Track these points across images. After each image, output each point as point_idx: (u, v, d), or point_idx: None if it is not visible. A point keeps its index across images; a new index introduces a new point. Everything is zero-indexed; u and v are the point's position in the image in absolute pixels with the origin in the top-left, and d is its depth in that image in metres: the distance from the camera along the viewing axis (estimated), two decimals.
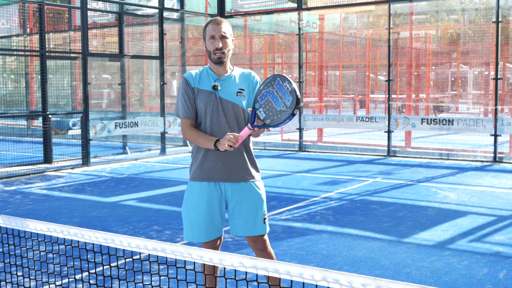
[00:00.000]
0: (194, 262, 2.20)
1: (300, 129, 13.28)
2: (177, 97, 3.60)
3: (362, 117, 12.55)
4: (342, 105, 20.84)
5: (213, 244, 3.55)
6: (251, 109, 3.28)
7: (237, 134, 3.25)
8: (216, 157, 3.46)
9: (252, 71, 3.66)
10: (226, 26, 3.50)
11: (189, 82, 3.52)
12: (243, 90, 3.53)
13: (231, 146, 3.22)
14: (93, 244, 2.47)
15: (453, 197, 7.82)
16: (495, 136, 10.97)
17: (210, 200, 3.48)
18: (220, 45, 3.45)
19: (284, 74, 3.16)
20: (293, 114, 3.07)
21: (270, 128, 3.24)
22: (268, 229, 3.62)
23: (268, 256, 3.63)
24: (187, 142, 14.22)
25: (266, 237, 3.62)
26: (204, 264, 2.97)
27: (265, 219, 3.57)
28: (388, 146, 12.08)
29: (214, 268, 3.45)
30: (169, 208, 7.32)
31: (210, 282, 3.55)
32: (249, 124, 3.24)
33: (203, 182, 3.49)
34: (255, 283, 4.42)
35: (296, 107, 3.05)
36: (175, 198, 7.98)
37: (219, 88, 3.49)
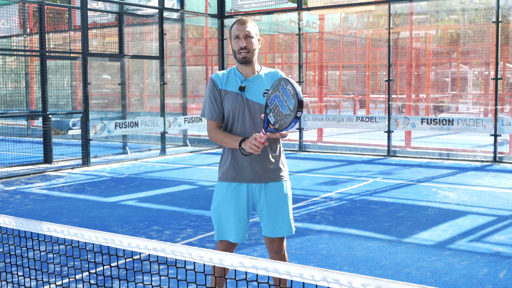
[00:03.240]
0: (194, 262, 2.20)
1: (300, 129, 13.28)
2: (204, 98, 3.59)
3: (362, 117, 12.55)
4: (342, 105, 20.85)
5: (228, 246, 3.53)
6: (263, 114, 3.26)
7: (260, 137, 3.23)
8: (243, 158, 3.44)
9: (279, 70, 3.63)
10: (251, 26, 3.48)
11: (216, 84, 3.49)
12: (269, 90, 3.53)
13: (255, 149, 3.23)
14: (93, 244, 2.47)
15: (453, 197, 7.83)
16: (495, 136, 10.97)
17: (238, 201, 3.47)
18: (244, 44, 3.43)
19: (288, 77, 3.15)
20: (296, 117, 3.05)
21: (283, 132, 3.23)
22: (294, 229, 3.61)
23: (282, 259, 3.60)
24: (187, 142, 14.24)
25: (284, 240, 3.61)
26: (214, 266, 2.96)
27: (291, 219, 3.57)
28: (388, 146, 12.08)
29: (224, 270, 3.44)
30: (169, 208, 7.32)
31: (220, 284, 3.55)
32: (262, 130, 3.24)
33: (232, 182, 3.48)
34: (255, 283, 4.42)
35: (299, 109, 3.04)
36: (175, 198, 7.99)
37: (245, 89, 3.47)
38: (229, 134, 3.46)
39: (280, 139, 3.56)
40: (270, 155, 3.51)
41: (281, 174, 3.54)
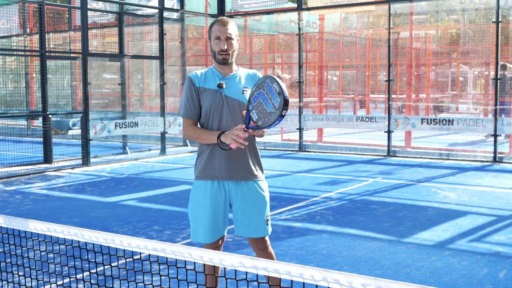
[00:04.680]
0: (195, 262, 2.20)
1: (300, 129, 13.28)
2: (181, 97, 3.60)
3: (362, 117, 12.55)
4: (342, 105, 20.85)
5: (215, 244, 3.55)
6: (245, 111, 3.27)
7: (241, 132, 3.23)
8: (221, 156, 3.45)
9: (257, 71, 3.65)
10: (232, 27, 3.49)
11: (194, 82, 3.50)
12: (248, 88, 3.52)
13: (241, 142, 3.23)
14: (93, 244, 2.47)
15: (453, 197, 7.83)
16: (495, 136, 10.97)
17: (215, 200, 3.47)
18: (225, 47, 3.44)
19: (274, 76, 3.16)
20: (281, 116, 3.06)
21: (265, 130, 3.24)
22: (270, 230, 3.62)
23: (269, 256, 3.63)
24: (187, 142, 14.23)
25: (267, 237, 3.63)
26: (204, 264, 2.97)
27: (267, 220, 3.57)
28: (388, 146, 12.08)
29: (214, 268, 3.45)
30: (169, 208, 7.32)
31: (211, 282, 3.55)
32: (244, 126, 3.24)
33: (208, 181, 3.49)
34: (255, 283, 4.42)
35: (284, 108, 3.05)
36: (175, 198, 7.99)
37: (224, 86, 3.48)
38: (207, 130, 3.47)
39: (256, 139, 3.60)
40: (246, 154, 3.52)
41: (256, 173, 3.56)
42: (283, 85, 3.11)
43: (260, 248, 3.61)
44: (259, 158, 3.62)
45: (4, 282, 3.53)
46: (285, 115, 3.08)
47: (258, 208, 3.52)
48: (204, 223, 3.48)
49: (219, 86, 3.47)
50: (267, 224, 3.58)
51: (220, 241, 3.59)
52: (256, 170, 3.56)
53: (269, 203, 3.63)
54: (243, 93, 3.49)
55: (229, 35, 3.46)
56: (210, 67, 3.59)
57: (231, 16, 14.41)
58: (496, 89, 11.08)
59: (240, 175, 3.48)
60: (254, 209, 3.51)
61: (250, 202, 3.51)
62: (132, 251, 2.41)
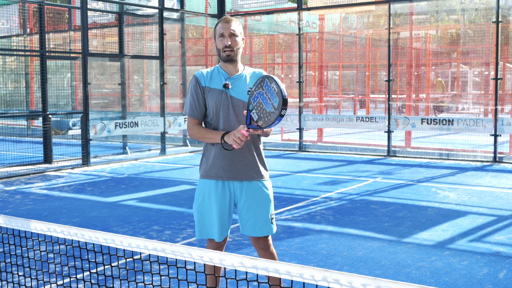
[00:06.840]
0: (195, 262, 2.20)
1: (300, 129, 13.28)
2: (187, 96, 3.61)
3: (362, 117, 12.55)
4: (342, 105, 20.84)
5: (218, 244, 3.56)
6: (246, 111, 3.28)
7: (243, 133, 3.23)
8: (226, 156, 3.46)
9: (263, 71, 3.65)
10: (235, 25, 3.51)
11: (200, 81, 3.51)
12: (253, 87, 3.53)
13: (238, 141, 3.24)
14: (93, 244, 2.47)
15: (453, 197, 7.83)
16: (495, 136, 10.97)
17: (220, 199, 3.48)
18: (229, 42, 3.46)
19: (272, 75, 3.16)
20: (281, 115, 3.06)
21: (265, 130, 3.24)
22: (275, 229, 3.63)
23: (270, 255, 3.63)
24: (187, 142, 14.24)
25: (269, 237, 3.63)
26: (205, 264, 2.97)
27: (272, 219, 3.58)
28: (388, 146, 12.08)
29: (215, 268, 3.45)
30: (169, 208, 7.32)
31: (211, 282, 3.55)
32: (245, 126, 3.24)
33: (212, 180, 3.50)
34: (255, 283, 4.42)
35: (283, 107, 3.05)
36: (175, 198, 7.99)
37: (230, 86, 3.48)
38: (211, 130, 3.48)
39: (261, 139, 3.60)
40: (251, 154, 3.53)
41: (262, 173, 3.57)
42: (282, 85, 3.10)
43: (262, 247, 3.61)
44: (263, 158, 3.63)
45: (4, 282, 3.53)
46: (284, 114, 3.07)
47: (263, 207, 3.53)
48: (211, 222, 3.49)
49: (225, 86, 3.48)
50: (272, 223, 3.59)
51: (223, 242, 3.60)
52: (261, 170, 3.57)
53: (273, 202, 3.64)
54: (248, 94, 3.49)
55: (232, 31, 3.47)
56: (216, 66, 3.60)
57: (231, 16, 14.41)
58: (496, 89, 11.08)
59: (245, 175, 3.49)
60: (259, 208, 3.51)
61: (254, 201, 3.51)
62: (132, 251, 2.41)
